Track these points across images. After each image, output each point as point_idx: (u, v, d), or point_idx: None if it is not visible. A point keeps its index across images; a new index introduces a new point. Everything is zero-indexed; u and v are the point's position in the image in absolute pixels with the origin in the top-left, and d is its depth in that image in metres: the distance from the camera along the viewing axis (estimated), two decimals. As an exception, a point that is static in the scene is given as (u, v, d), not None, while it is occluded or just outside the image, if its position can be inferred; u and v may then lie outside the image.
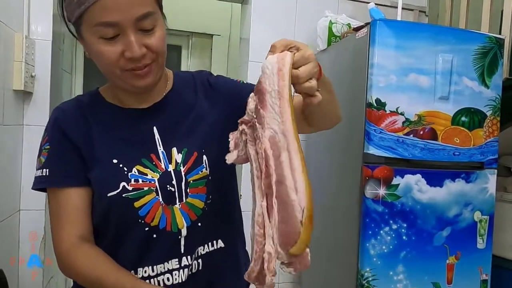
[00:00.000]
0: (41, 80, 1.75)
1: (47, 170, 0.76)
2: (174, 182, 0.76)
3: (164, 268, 0.77)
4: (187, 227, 0.77)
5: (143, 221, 0.75)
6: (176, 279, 0.77)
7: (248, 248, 0.71)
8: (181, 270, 0.77)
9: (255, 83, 0.63)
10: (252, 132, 0.60)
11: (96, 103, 0.82)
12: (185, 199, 0.77)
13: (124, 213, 0.75)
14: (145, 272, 0.77)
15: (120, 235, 0.77)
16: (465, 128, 1.52)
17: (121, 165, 0.75)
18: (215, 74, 0.91)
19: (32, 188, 0.79)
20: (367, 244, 1.43)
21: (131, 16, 0.68)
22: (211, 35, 3.17)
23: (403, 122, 1.45)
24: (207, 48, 3.20)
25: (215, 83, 0.87)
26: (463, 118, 1.51)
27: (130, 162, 0.76)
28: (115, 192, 0.74)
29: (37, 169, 0.78)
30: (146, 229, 0.75)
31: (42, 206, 1.74)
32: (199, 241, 0.79)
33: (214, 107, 0.84)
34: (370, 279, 1.44)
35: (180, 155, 0.78)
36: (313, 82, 0.60)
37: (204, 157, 0.79)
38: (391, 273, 1.45)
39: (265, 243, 0.57)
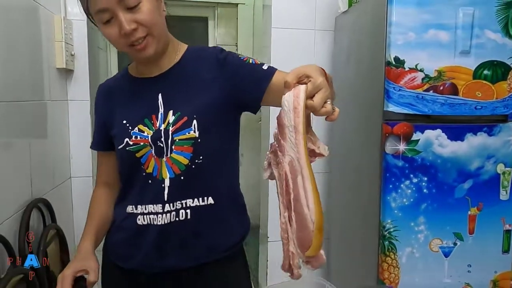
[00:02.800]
0: (80, 58, 1.90)
1: (93, 136, 1.09)
2: (162, 139, 0.92)
3: (153, 209, 0.94)
4: (170, 178, 0.92)
5: (143, 167, 0.94)
6: (159, 221, 0.94)
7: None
8: (164, 215, 0.93)
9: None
10: (275, 157, 0.71)
11: (122, 78, 1.04)
12: (170, 154, 0.92)
13: (130, 161, 0.96)
14: (141, 209, 0.96)
15: (130, 178, 0.98)
16: (488, 81, 1.52)
17: (127, 125, 0.96)
18: (227, 50, 1.01)
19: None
20: (388, 198, 1.50)
21: None
22: (236, 4, 3.21)
23: (423, 79, 1.48)
24: (233, 18, 3.25)
25: (223, 59, 0.96)
26: (485, 72, 1.51)
27: (134, 122, 0.95)
28: (121, 146, 0.95)
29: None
30: (144, 174, 0.94)
31: (90, 173, 1.93)
32: (183, 194, 0.93)
33: (216, 81, 0.95)
34: (391, 230, 1.52)
35: (173, 117, 0.92)
36: (328, 106, 0.66)
37: (194, 122, 0.91)
38: (412, 224, 1.52)
39: (289, 244, 0.70)
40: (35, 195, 1.51)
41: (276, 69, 0.96)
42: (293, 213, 0.68)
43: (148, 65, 0.97)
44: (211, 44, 3.26)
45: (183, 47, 1.02)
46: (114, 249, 1.04)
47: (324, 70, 0.74)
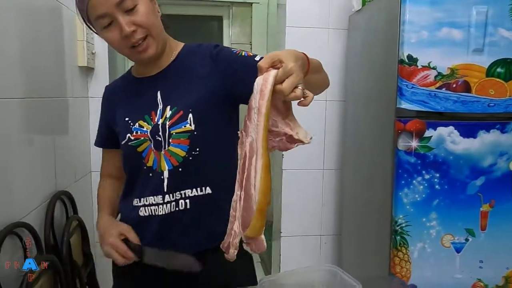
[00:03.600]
0: (100, 56, 1.97)
1: (97, 134, 1.15)
2: (160, 133, 0.96)
3: (154, 200, 0.99)
4: (168, 170, 0.97)
5: (143, 161, 0.99)
6: (160, 211, 0.99)
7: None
8: (164, 205, 0.98)
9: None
10: (241, 137, 0.72)
11: (127, 79, 1.10)
12: (167, 147, 0.96)
13: (132, 156, 1.01)
14: (143, 201, 1.00)
15: (133, 173, 1.03)
16: (501, 79, 1.53)
17: (129, 121, 1.01)
18: (221, 46, 1.05)
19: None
20: (400, 193, 1.53)
21: (111, 3, 0.88)
22: (251, 4, 3.25)
23: (435, 76, 1.50)
24: (247, 17, 3.29)
25: (216, 54, 1.00)
26: (498, 69, 1.52)
27: (135, 118, 1.00)
28: (124, 141, 1.01)
29: None
30: (145, 168, 0.99)
31: (109, 168, 1.99)
32: (182, 184, 0.98)
33: (211, 75, 0.99)
34: (403, 225, 1.54)
35: (170, 112, 0.97)
36: (298, 91, 0.66)
37: (190, 115, 0.95)
38: (424, 219, 1.54)
39: (234, 223, 0.73)
40: (59, 188, 1.58)
41: None
42: (242, 192, 0.70)
43: (148, 65, 1.02)
44: (225, 43, 3.30)
45: (179, 45, 1.06)
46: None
47: (305, 55, 0.77)
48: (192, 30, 3.23)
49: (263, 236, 0.72)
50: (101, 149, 1.17)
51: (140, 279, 1.05)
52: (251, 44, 3.31)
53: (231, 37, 3.33)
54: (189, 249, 1.00)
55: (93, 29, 0.96)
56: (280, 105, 0.69)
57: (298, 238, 2.21)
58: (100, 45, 1.96)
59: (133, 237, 0.99)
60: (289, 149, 0.72)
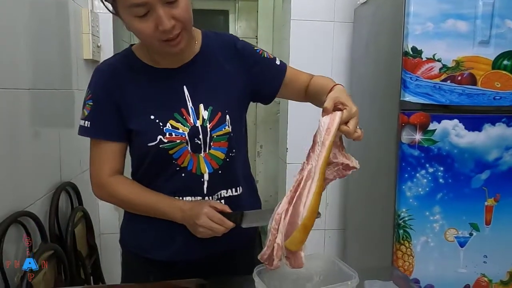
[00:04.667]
0: (106, 49, 1.98)
1: (89, 123, 0.93)
2: (200, 136, 0.93)
3: (192, 201, 0.95)
4: (209, 173, 0.94)
5: (175, 162, 0.93)
6: None
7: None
8: None
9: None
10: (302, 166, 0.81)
11: (131, 62, 0.95)
12: (208, 150, 0.94)
13: (161, 158, 0.92)
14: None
15: (156, 172, 0.95)
16: (507, 71, 1.50)
17: (157, 121, 0.91)
18: (241, 39, 1.05)
19: (78, 134, 0.97)
20: (403, 187, 1.52)
21: None
22: (257, -3, 3.25)
23: (440, 69, 1.48)
24: (253, 11, 3.29)
25: (242, 49, 1.01)
26: (505, 62, 1.50)
27: (165, 117, 0.91)
28: (153, 143, 0.90)
29: (80, 119, 0.95)
30: (177, 168, 0.93)
31: (114, 160, 2.01)
32: (220, 186, 0.97)
33: (237, 71, 0.99)
34: (406, 219, 1.53)
35: (207, 112, 0.93)
36: (359, 131, 0.79)
37: (227, 117, 0.95)
38: (427, 213, 1.53)
39: (277, 236, 0.76)
40: (64, 179, 1.60)
41: (286, 65, 1.05)
42: (291, 208, 0.76)
43: (168, 58, 0.94)
44: (231, 37, 3.30)
45: (198, 33, 1.00)
46: (138, 239, 1.02)
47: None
48: (198, 24, 3.23)
49: (303, 254, 0.77)
50: (91, 143, 0.97)
51: (150, 272, 1.02)
52: (257, 38, 3.31)
53: (237, 31, 3.33)
54: (220, 249, 0.99)
55: (120, 16, 0.85)
56: (338, 140, 0.81)
57: (302, 232, 2.21)
58: (106, 38, 1.97)
59: (224, 207, 0.92)
60: (345, 176, 0.83)
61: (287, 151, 2.13)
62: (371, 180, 1.81)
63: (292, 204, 0.76)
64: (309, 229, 0.75)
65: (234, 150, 0.97)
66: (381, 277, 0.96)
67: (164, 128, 0.91)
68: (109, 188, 0.96)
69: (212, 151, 0.94)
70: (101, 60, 1.98)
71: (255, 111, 3.38)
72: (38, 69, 1.41)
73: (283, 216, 0.76)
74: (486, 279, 1.59)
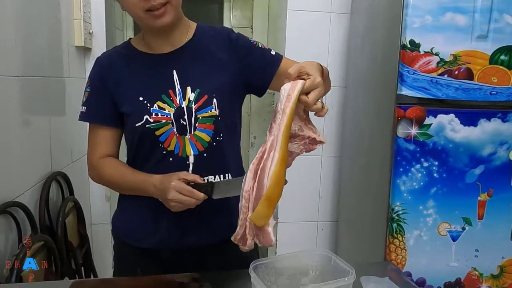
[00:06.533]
0: (98, 36, 1.94)
1: (85, 108, 1.00)
2: (185, 116, 0.93)
3: None
4: (194, 155, 0.94)
5: (162, 146, 0.94)
6: None
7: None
8: None
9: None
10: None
11: (128, 52, 1.01)
12: (193, 132, 0.94)
13: (148, 139, 0.94)
14: None
15: (146, 156, 0.97)
16: (504, 67, 1.50)
17: (145, 102, 0.94)
18: (236, 32, 1.04)
19: (78, 120, 1.02)
20: (398, 181, 1.52)
21: None
22: (252, -14, 3.20)
23: (438, 63, 1.47)
24: (248, 0, 3.24)
25: (236, 40, 1.00)
26: (502, 57, 1.49)
27: (152, 98, 0.94)
28: (140, 123, 0.93)
29: (81, 105, 1.01)
30: (164, 152, 0.94)
31: (106, 150, 1.98)
32: (207, 170, 0.95)
33: (230, 60, 0.98)
34: (400, 213, 1.54)
35: (193, 94, 0.94)
36: (319, 104, 0.74)
37: (214, 100, 0.94)
38: (421, 207, 1.54)
39: (248, 214, 0.74)
40: (54, 169, 1.57)
41: (282, 56, 1.03)
42: (256, 183, 0.73)
43: (159, 39, 0.96)
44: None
45: (193, 24, 1.03)
46: (129, 228, 1.03)
47: (322, 67, 0.82)
48: (192, 13, 3.17)
49: (270, 229, 0.74)
50: (87, 132, 1.04)
51: (141, 262, 1.03)
52: (252, 28, 3.26)
53: (232, 20, 3.28)
54: (210, 238, 0.99)
55: None
56: (301, 112, 0.78)
57: (295, 224, 2.21)
58: (98, 25, 1.93)
59: (195, 177, 0.90)
60: (312, 150, 0.81)
61: (281, 143, 2.11)
62: (365, 173, 1.81)
63: (257, 179, 0.73)
64: (273, 201, 0.72)
65: (221, 135, 0.96)
66: (375, 272, 0.96)
67: (151, 109, 0.93)
68: (98, 169, 1.00)
69: (197, 132, 0.94)
70: (93, 47, 1.94)
71: (249, 101, 3.36)
72: (28, 56, 1.37)
73: (251, 193, 0.74)
74: (477, 272, 1.61)
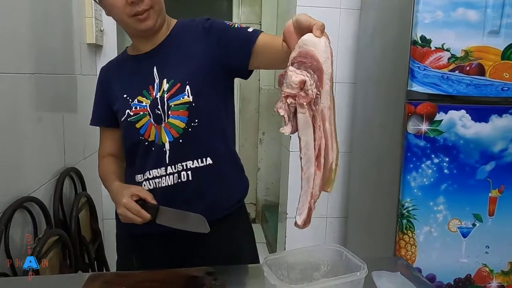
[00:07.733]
0: (109, 34, 1.96)
1: (92, 112, 1.14)
2: (159, 106, 0.97)
3: (157, 173, 1.00)
4: (169, 142, 0.98)
5: (143, 138, 0.99)
6: (163, 183, 1.00)
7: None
8: (167, 177, 0.99)
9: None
10: (296, 103, 0.67)
11: (122, 58, 1.11)
12: (167, 119, 0.97)
13: (131, 133, 1.01)
14: (147, 175, 1.01)
15: (133, 149, 1.03)
16: (516, 62, 1.49)
17: (128, 98, 1.01)
18: (213, 18, 1.05)
19: (90, 124, 1.16)
20: (408, 177, 1.52)
21: None
22: (261, -18, 3.19)
23: (449, 59, 1.46)
24: (257, -4, 3.23)
25: (209, 27, 1.01)
26: (514, 52, 1.48)
27: (134, 94, 1.01)
28: (123, 118, 1.01)
29: None
30: (146, 143, 1.00)
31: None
32: (183, 156, 0.99)
33: (205, 48, 1.00)
34: (410, 209, 1.54)
35: (167, 85, 0.98)
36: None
37: (187, 87, 0.96)
38: (431, 203, 1.53)
39: (312, 199, 0.72)
40: (68, 165, 1.60)
41: (261, 31, 0.98)
42: (322, 158, 0.70)
43: (144, 41, 1.02)
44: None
45: (173, 22, 1.07)
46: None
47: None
48: (201, 9, 3.19)
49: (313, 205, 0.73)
50: (99, 130, 1.16)
51: (144, 252, 1.07)
52: (260, 24, 3.26)
53: (241, 16, 3.28)
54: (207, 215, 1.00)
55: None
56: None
57: (304, 219, 2.21)
58: (109, 23, 1.95)
59: (146, 195, 0.96)
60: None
61: (290, 139, 2.12)
62: (376, 169, 1.81)
63: (322, 155, 0.69)
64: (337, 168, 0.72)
65: (196, 121, 0.98)
66: (386, 267, 0.96)
67: (132, 103, 1.00)
68: (99, 167, 1.14)
69: (170, 119, 0.98)
70: (104, 44, 1.96)
71: (257, 98, 3.37)
72: (41, 54, 1.39)
73: (313, 177, 0.70)
74: (487, 269, 1.60)
